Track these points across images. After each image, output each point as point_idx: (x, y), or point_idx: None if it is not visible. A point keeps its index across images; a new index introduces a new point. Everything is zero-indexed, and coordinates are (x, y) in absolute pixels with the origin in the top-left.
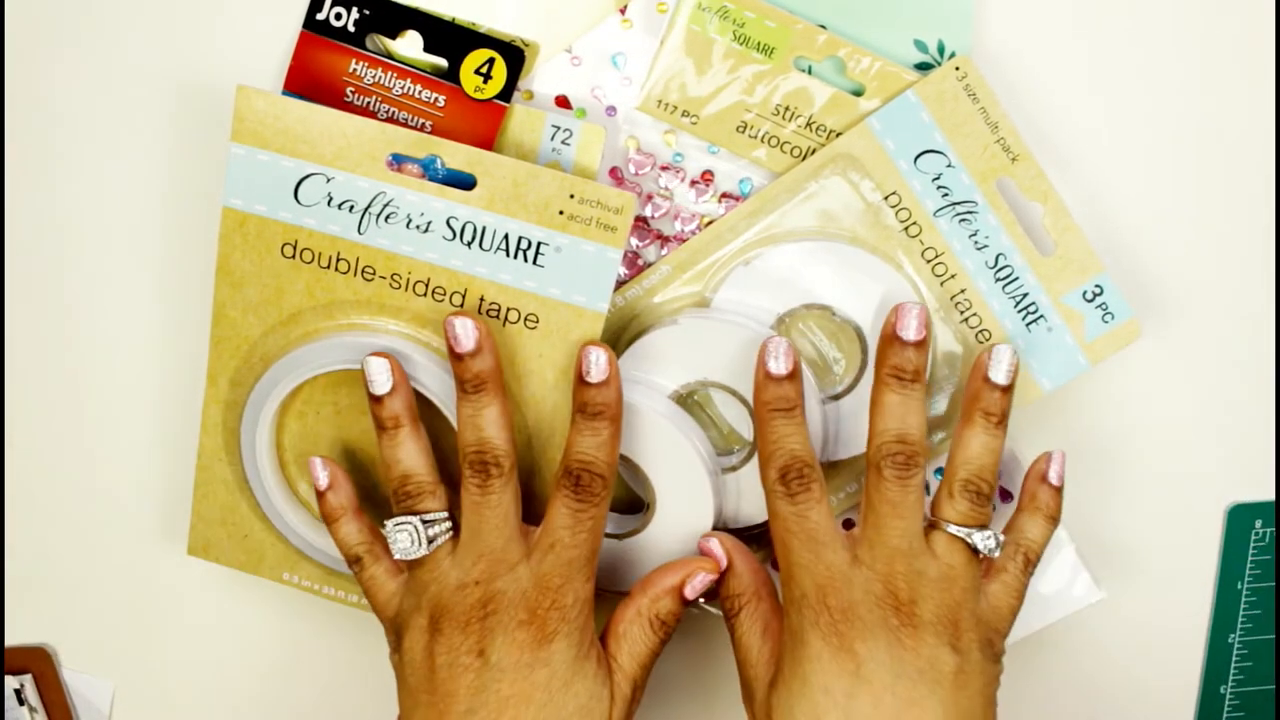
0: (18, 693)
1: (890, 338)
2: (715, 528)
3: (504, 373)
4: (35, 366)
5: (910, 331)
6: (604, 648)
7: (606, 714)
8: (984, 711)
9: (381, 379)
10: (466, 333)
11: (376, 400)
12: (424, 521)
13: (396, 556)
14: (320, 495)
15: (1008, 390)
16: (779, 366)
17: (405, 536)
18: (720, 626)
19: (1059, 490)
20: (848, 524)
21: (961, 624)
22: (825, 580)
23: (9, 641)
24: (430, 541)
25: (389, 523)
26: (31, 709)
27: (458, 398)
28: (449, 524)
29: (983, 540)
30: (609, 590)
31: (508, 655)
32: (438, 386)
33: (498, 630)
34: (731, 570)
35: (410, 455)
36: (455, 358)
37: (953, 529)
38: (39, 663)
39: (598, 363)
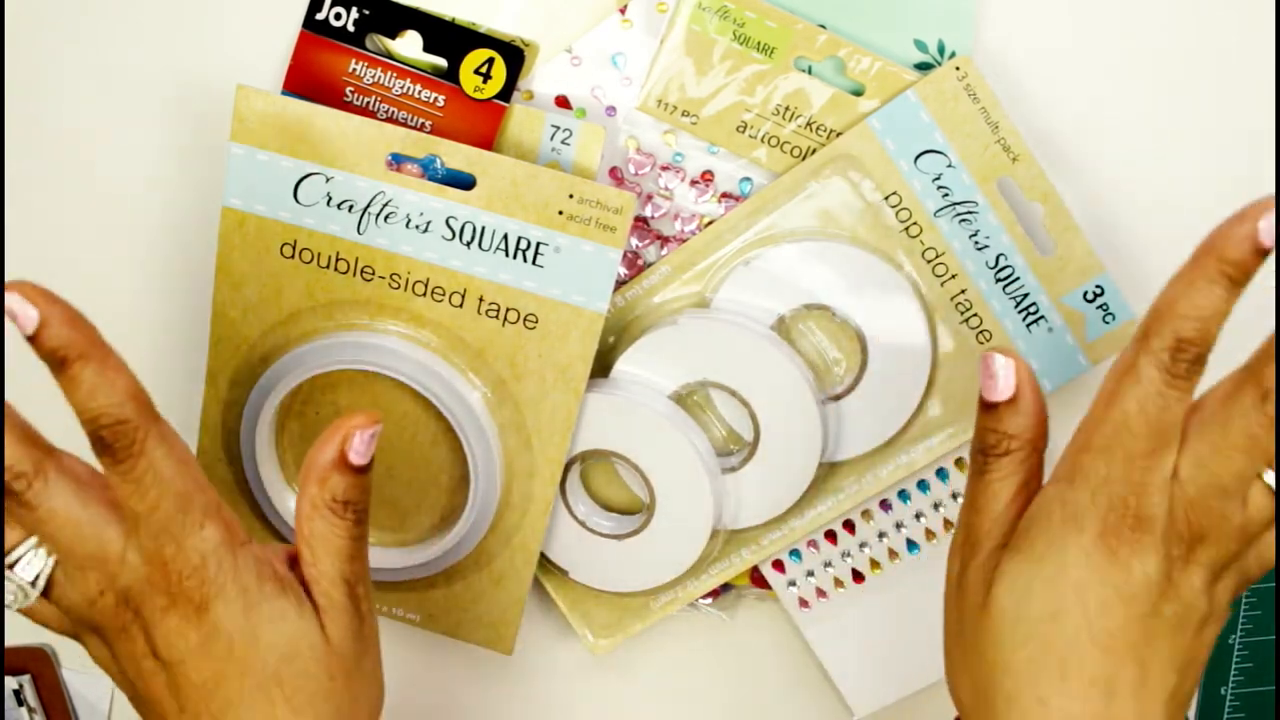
0: (17, 693)
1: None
2: (714, 529)
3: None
4: (34, 365)
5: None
6: (298, 556)
7: (319, 637)
8: (1205, 655)
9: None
10: None
11: None
12: (10, 565)
13: (16, 609)
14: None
15: None
16: (1269, 235)
17: (8, 592)
18: (720, 627)
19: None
20: (847, 524)
21: (1227, 573)
22: (1140, 480)
23: (9, 641)
24: (34, 583)
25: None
26: (31, 709)
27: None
28: (42, 548)
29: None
30: (609, 592)
31: (175, 647)
32: (436, 385)
33: (151, 627)
34: (1015, 405)
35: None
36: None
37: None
38: (38, 663)
39: (21, 308)
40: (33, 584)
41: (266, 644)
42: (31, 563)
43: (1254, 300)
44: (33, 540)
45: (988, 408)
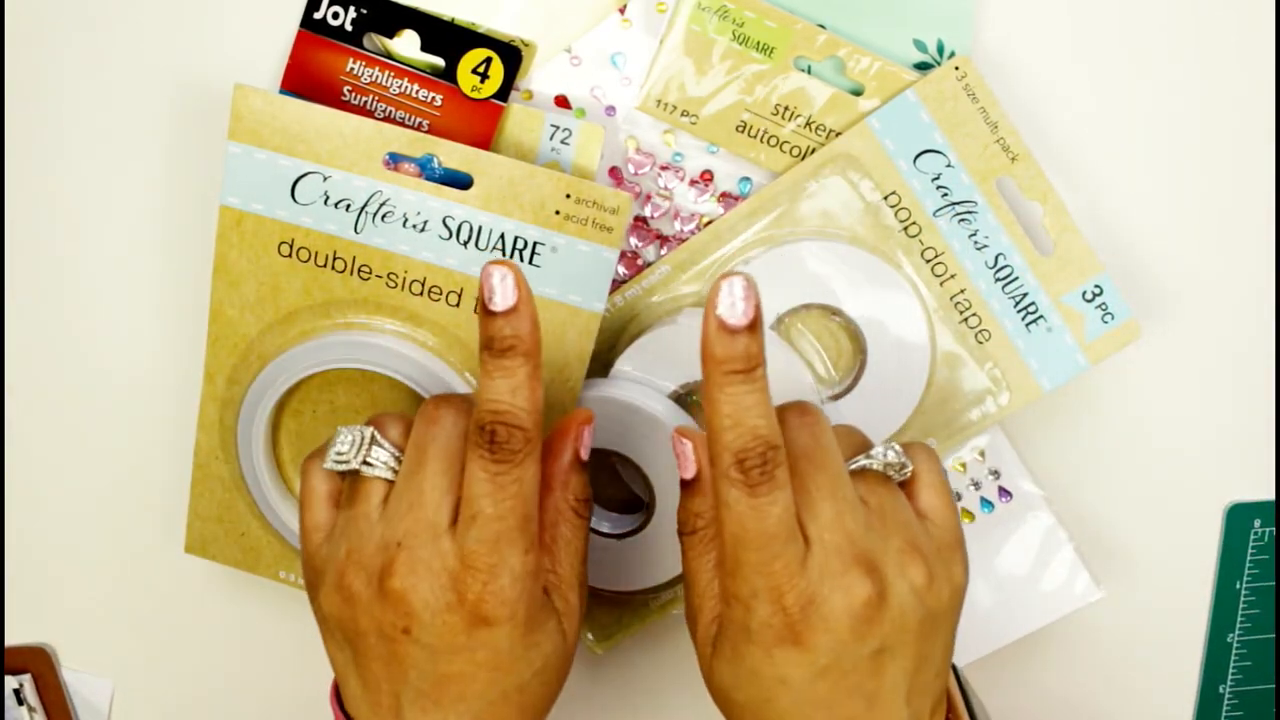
0: (17, 692)
1: None
2: None
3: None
4: (34, 365)
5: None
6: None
7: (565, 650)
8: (949, 636)
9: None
10: (506, 287)
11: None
12: (374, 440)
13: (329, 459)
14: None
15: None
16: (736, 314)
17: (344, 439)
18: None
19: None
20: None
21: (912, 566)
22: (783, 579)
23: (8, 641)
24: (366, 464)
25: (345, 427)
26: (31, 709)
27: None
28: (396, 465)
29: (880, 453)
30: (608, 590)
31: (439, 639)
32: (433, 384)
33: (423, 611)
34: (699, 486)
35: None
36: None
37: (857, 463)
38: (38, 662)
39: (503, 285)
40: (360, 459)
41: (528, 661)
42: (380, 455)
43: (1254, 299)
44: (399, 452)
45: (681, 486)
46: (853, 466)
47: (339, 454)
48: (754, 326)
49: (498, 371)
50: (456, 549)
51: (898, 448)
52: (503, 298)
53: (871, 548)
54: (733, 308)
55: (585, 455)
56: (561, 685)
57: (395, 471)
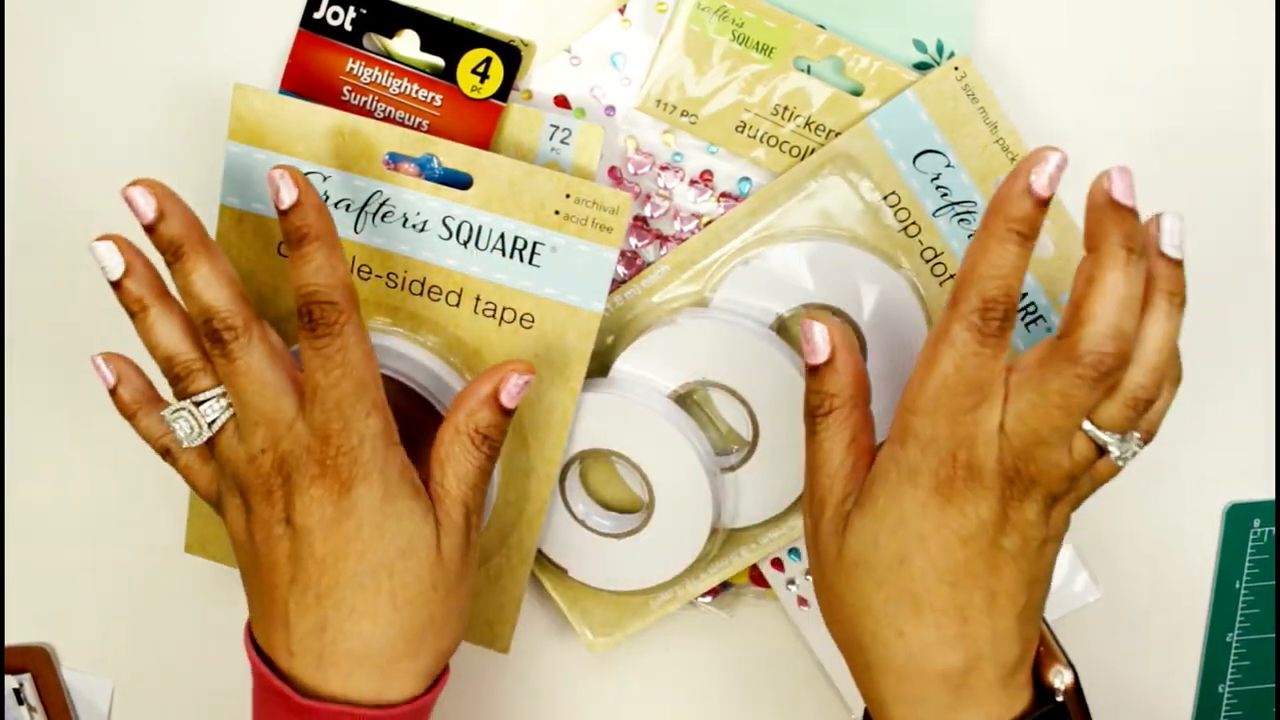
0: (17, 692)
1: (1109, 202)
2: (713, 528)
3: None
4: (34, 365)
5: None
6: (429, 474)
7: (434, 546)
8: (1051, 569)
9: (112, 263)
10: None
11: (115, 286)
12: (197, 403)
13: (183, 445)
14: (112, 393)
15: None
16: (1042, 184)
17: (184, 424)
18: (722, 625)
19: (1178, 266)
20: None
21: (1063, 502)
22: (966, 435)
23: (8, 641)
24: (211, 425)
25: (165, 411)
26: (31, 709)
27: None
28: (226, 399)
29: (1119, 450)
30: (609, 590)
31: (311, 515)
32: (432, 384)
33: (295, 493)
34: (831, 366)
35: (167, 335)
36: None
37: (1098, 434)
38: (38, 662)
39: (285, 185)
40: (210, 425)
41: (390, 535)
42: (213, 407)
43: (1254, 299)
44: (220, 389)
45: (810, 371)
46: (1089, 429)
47: (187, 438)
48: (1048, 203)
49: (299, 260)
50: (307, 425)
51: (1137, 448)
52: (287, 194)
53: (1036, 475)
54: (1040, 178)
55: (507, 401)
56: (449, 611)
57: (229, 405)
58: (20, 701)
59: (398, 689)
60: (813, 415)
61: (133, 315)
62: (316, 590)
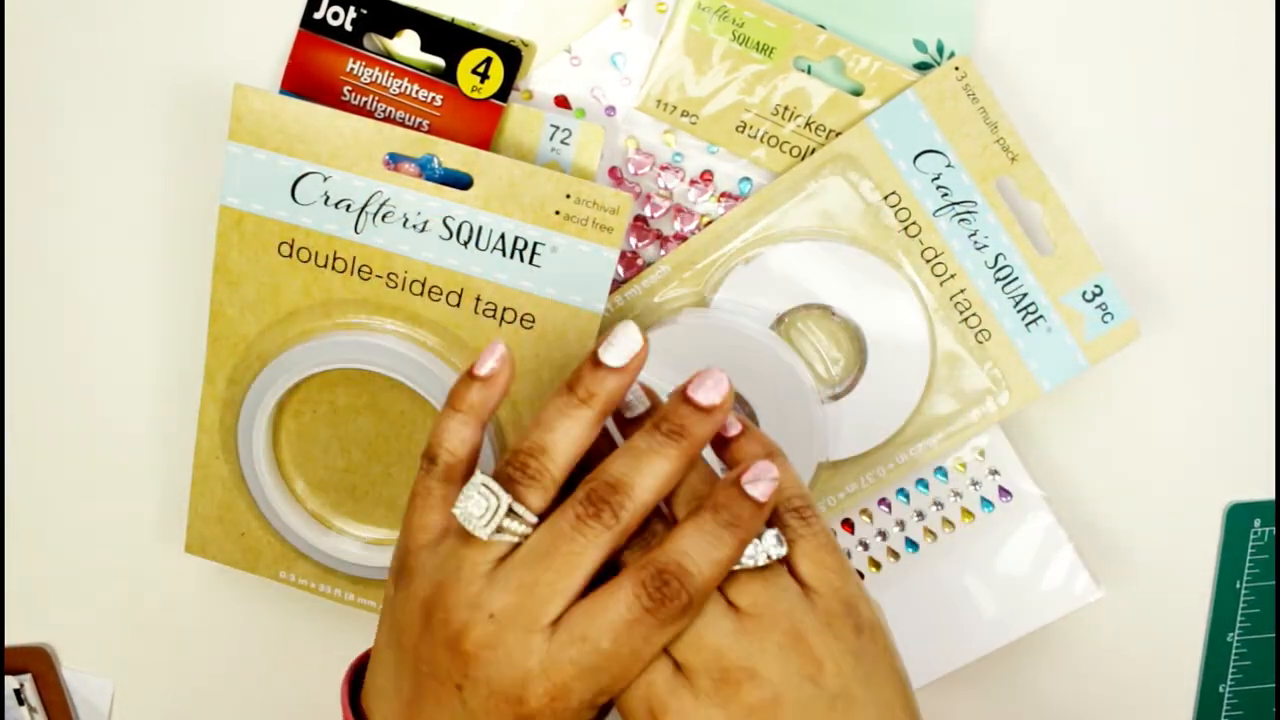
0: (17, 692)
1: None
2: None
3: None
4: (34, 365)
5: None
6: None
7: None
8: (895, 677)
9: (616, 357)
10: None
11: (594, 366)
12: (511, 510)
13: (454, 514)
14: (468, 376)
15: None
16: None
17: (479, 503)
18: None
19: (746, 430)
20: (847, 523)
21: (803, 647)
22: (658, 709)
23: (9, 641)
24: (499, 531)
25: (476, 477)
26: (31, 709)
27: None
28: (530, 532)
29: (759, 552)
30: None
31: (483, 712)
32: (432, 385)
33: (481, 683)
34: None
35: (574, 440)
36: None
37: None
38: (39, 662)
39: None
40: (498, 530)
41: None
42: (523, 523)
43: (1254, 299)
44: (538, 520)
45: None
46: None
47: (464, 514)
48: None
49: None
50: (546, 653)
51: (775, 535)
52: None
53: (745, 654)
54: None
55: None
56: None
57: (523, 537)
58: (20, 702)
59: None
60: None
61: (569, 392)
62: None
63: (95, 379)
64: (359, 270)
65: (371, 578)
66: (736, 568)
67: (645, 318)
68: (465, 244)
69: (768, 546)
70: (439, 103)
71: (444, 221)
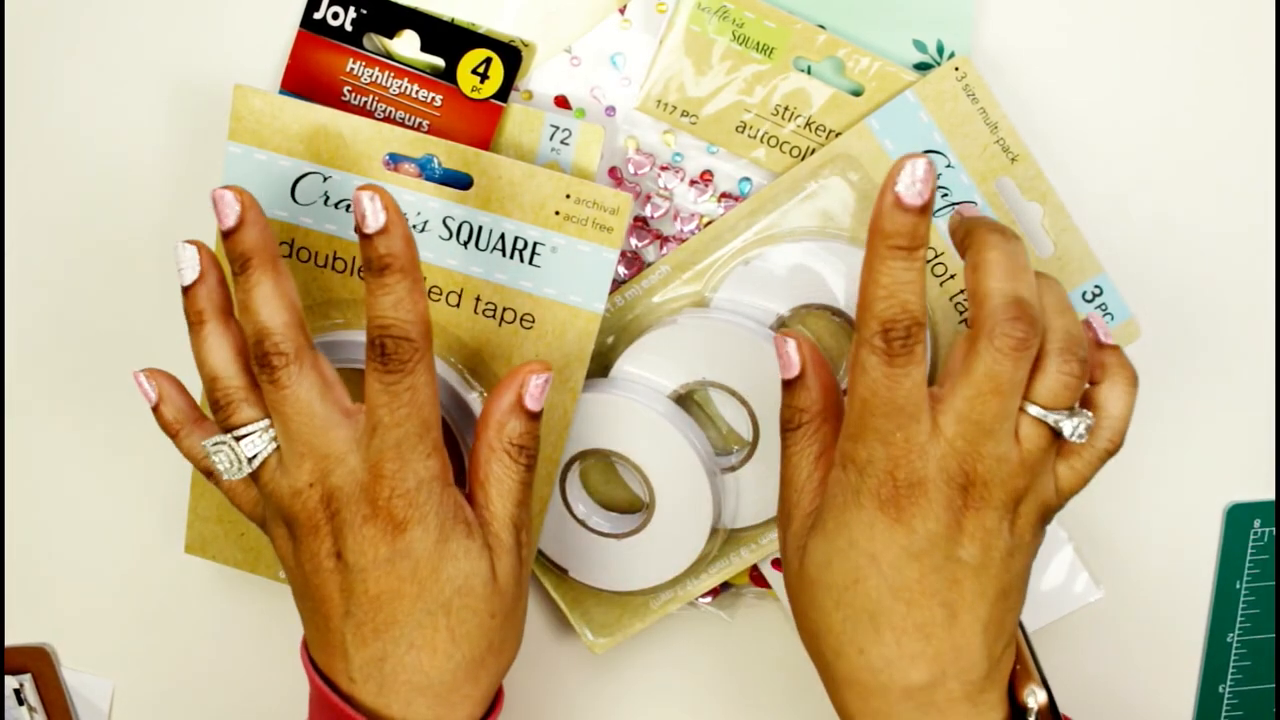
0: (17, 692)
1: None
2: (714, 528)
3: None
4: (34, 364)
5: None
6: (472, 499)
7: (489, 578)
8: (1022, 582)
9: (189, 268)
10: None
11: (184, 291)
12: (238, 438)
13: (224, 479)
14: (155, 411)
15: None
16: (913, 193)
17: (224, 458)
18: (720, 626)
19: (1119, 349)
20: None
21: (1023, 506)
22: (900, 453)
23: (8, 641)
24: (250, 460)
25: (205, 442)
26: (31, 709)
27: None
28: (270, 432)
29: (1071, 427)
30: (609, 591)
31: (364, 554)
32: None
33: (346, 530)
34: (802, 382)
35: (218, 355)
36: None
37: (1043, 414)
38: (38, 662)
39: (373, 207)
40: (249, 460)
41: (446, 576)
42: (255, 442)
43: (1254, 299)
44: (265, 422)
45: (784, 386)
46: (1033, 411)
47: (228, 472)
48: (926, 209)
49: (379, 289)
50: (363, 462)
51: (1089, 422)
52: (374, 219)
53: (987, 476)
54: (911, 187)
55: (532, 404)
56: (507, 633)
57: (274, 438)
58: (20, 702)
59: (460, 714)
60: (783, 429)
61: (191, 326)
62: (373, 625)
63: (95, 379)
64: (359, 270)
65: None
66: (1044, 418)
67: (645, 318)
68: (465, 244)
69: (1081, 429)
70: (439, 103)
71: (444, 221)
